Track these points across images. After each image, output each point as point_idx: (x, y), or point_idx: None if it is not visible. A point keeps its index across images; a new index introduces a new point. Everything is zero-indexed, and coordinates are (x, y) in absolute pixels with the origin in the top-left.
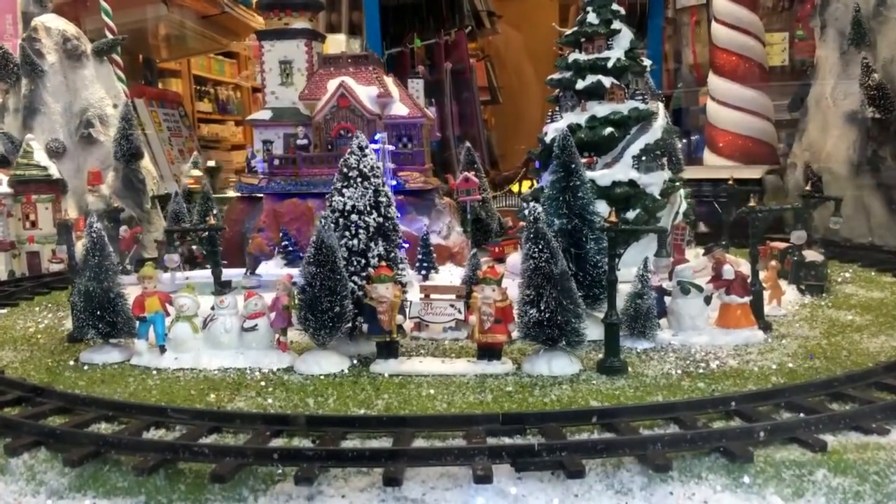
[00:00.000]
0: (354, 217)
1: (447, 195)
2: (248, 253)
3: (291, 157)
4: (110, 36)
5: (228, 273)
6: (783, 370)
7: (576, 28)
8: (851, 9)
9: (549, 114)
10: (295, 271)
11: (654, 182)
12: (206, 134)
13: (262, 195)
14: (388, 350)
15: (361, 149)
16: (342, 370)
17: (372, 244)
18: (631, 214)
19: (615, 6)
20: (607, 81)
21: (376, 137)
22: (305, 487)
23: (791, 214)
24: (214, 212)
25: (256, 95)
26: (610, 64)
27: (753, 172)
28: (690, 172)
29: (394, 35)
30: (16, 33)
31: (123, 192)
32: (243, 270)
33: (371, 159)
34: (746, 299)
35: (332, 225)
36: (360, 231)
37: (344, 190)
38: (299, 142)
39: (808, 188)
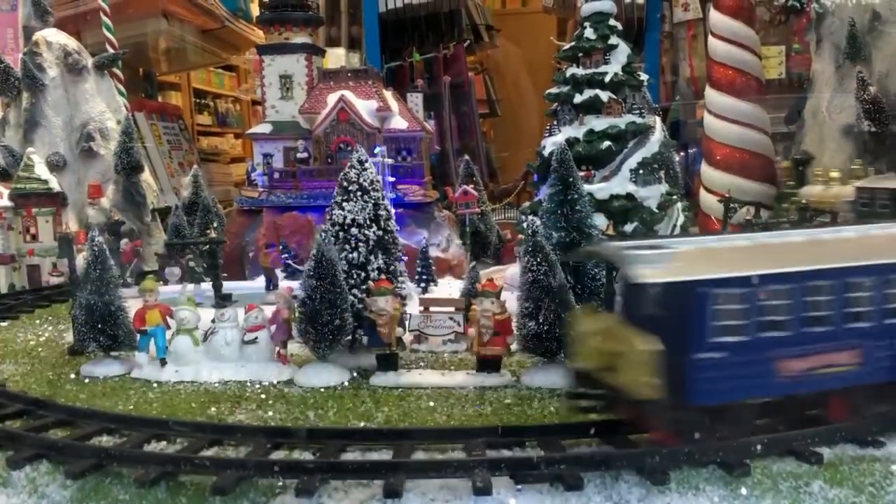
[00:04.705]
0: (354, 230)
1: (446, 208)
2: (264, 268)
3: (291, 170)
4: (111, 50)
5: (228, 286)
6: None
7: (573, 43)
8: (847, 23)
9: (548, 127)
10: (295, 284)
11: (651, 195)
12: (206, 147)
13: (262, 208)
14: (388, 362)
15: (361, 163)
16: (342, 382)
17: (372, 257)
18: (629, 227)
19: (612, 21)
20: (605, 96)
21: (376, 151)
22: (306, 499)
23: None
24: (215, 225)
25: (256, 108)
26: (607, 78)
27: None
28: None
29: (393, 49)
30: (17, 47)
31: (124, 206)
32: (256, 284)
33: (371, 173)
34: None
35: (332, 238)
36: (360, 244)
37: (344, 203)
38: (299, 155)
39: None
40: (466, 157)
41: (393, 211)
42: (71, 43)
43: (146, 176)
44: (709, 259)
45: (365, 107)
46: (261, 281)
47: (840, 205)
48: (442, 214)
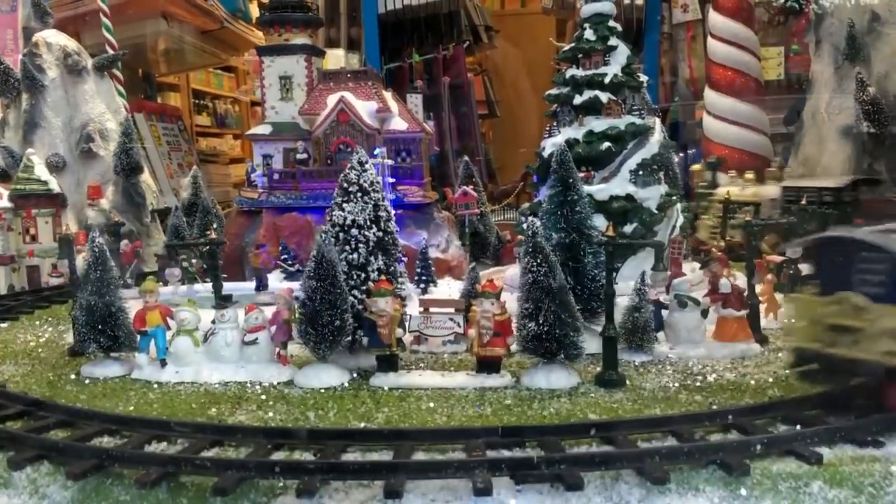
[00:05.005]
0: (354, 231)
1: (446, 209)
2: (255, 269)
3: (291, 171)
4: (111, 51)
5: (234, 287)
6: (779, 383)
7: (573, 44)
8: (846, 24)
9: (547, 128)
10: (295, 285)
11: (651, 196)
12: (205, 148)
13: (261, 209)
14: (388, 363)
15: (361, 164)
16: (342, 383)
17: (372, 258)
18: (628, 228)
19: (612, 23)
20: (604, 97)
21: (375, 152)
22: (307, 500)
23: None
24: (214, 226)
25: (255, 109)
26: (607, 80)
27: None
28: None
29: (392, 50)
30: (17, 48)
31: (123, 207)
32: (247, 285)
33: (371, 174)
34: (743, 313)
35: (333, 239)
36: (360, 245)
37: (344, 204)
38: (299, 156)
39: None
40: (466, 157)
41: (393, 212)
42: (70, 44)
43: (145, 177)
44: None
45: (365, 108)
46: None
47: (764, 202)
48: (441, 215)
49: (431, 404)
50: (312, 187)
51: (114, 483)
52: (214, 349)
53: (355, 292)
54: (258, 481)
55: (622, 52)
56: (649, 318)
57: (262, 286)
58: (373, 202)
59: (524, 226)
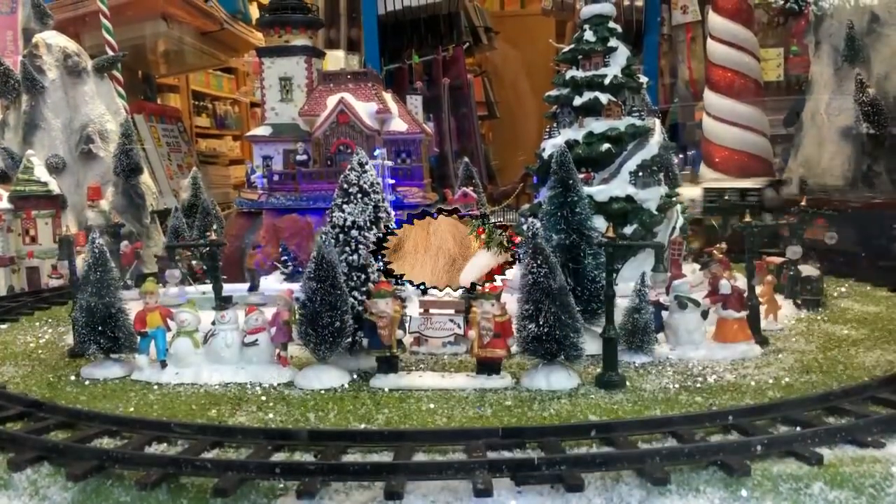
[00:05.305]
0: (354, 233)
1: None
2: (248, 269)
3: (291, 172)
4: (111, 52)
5: (228, 288)
6: (780, 384)
7: (573, 45)
8: (845, 25)
9: (547, 130)
10: (295, 286)
11: (650, 197)
12: (205, 149)
13: (261, 210)
14: (388, 365)
15: (361, 165)
16: (342, 385)
17: (372, 259)
18: (628, 230)
19: (611, 24)
20: (604, 98)
21: (375, 153)
22: (308, 501)
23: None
24: (214, 227)
25: (254, 110)
26: (607, 81)
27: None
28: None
29: (392, 51)
30: (17, 50)
31: (123, 208)
32: (245, 287)
33: (371, 175)
34: (743, 314)
35: (333, 240)
36: (361, 246)
37: (344, 206)
38: (299, 157)
39: (803, 203)
40: (466, 159)
41: (393, 213)
42: (70, 45)
43: (145, 178)
44: None
45: (364, 109)
46: (262, 283)
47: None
48: None
49: (432, 405)
50: (312, 189)
51: (114, 484)
52: (214, 350)
53: (355, 293)
54: (258, 482)
55: (622, 54)
56: (649, 319)
57: (253, 287)
58: (373, 203)
59: (524, 227)
